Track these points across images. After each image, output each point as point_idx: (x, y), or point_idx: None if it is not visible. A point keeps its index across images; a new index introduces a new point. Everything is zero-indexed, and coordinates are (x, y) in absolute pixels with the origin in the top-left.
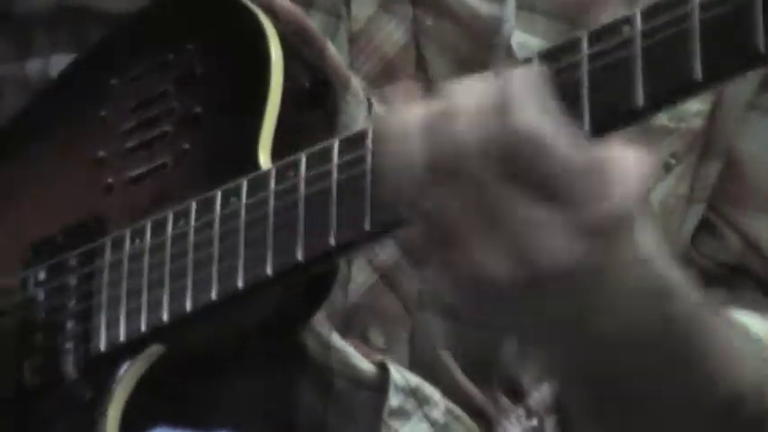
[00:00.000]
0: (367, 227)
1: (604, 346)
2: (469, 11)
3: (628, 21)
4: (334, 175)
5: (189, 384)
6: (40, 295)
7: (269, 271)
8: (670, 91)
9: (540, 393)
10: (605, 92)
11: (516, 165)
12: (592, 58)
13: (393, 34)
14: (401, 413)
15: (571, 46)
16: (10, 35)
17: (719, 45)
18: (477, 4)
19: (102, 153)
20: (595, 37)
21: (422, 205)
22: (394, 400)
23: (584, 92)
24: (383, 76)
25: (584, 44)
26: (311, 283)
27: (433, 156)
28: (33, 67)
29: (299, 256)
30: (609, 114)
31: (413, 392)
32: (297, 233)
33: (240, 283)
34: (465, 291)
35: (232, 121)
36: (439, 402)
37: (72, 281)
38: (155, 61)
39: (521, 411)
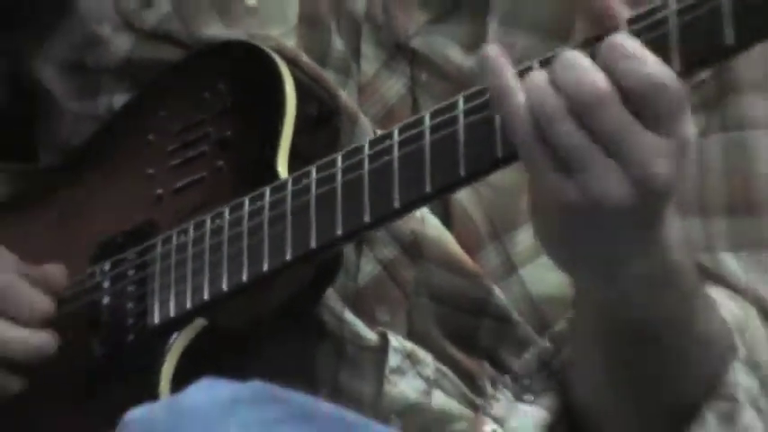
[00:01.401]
0: (367, 219)
1: (649, 281)
2: (455, 66)
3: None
4: (339, 178)
5: (227, 351)
6: (106, 283)
7: (288, 257)
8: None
9: (523, 360)
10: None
11: (644, 104)
12: (680, 12)
13: (393, 86)
14: (399, 371)
15: (653, 11)
16: (82, 80)
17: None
18: (460, 60)
19: (151, 170)
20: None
21: (559, 139)
22: (393, 360)
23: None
24: (385, 119)
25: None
26: (318, 274)
27: (575, 100)
28: (102, 103)
29: (313, 244)
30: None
31: (408, 355)
32: (310, 226)
33: (265, 267)
34: (588, 209)
35: (256, 143)
36: (430, 363)
37: (131, 271)
38: (193, 98)
39: (507, 379)
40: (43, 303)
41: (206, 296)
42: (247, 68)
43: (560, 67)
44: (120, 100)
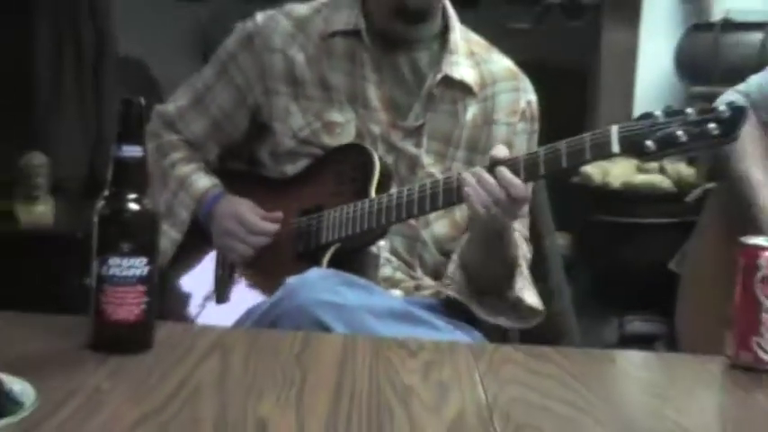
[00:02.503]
0: (404, 216)
1: (498, 234)
2: (409, 153)
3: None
4: (395, 200)
5: (344, 258)
6: (304, 227)
7: (372, 226)
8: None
9: (455, 257)
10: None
11: (515, 195)
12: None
13: (389, 159)
14: (383, 265)
15: (514, 158)
16: (274, 158)
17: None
18: (413, 150)
19: (324, 188)
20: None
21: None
22: (381, 260)
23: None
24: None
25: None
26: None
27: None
28: (281, 168)
29: (383, 221)
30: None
31: (387, 259)
32: (381, 216)
33: (364, 228)
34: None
35: (362, 184)
36: (395, 261)
37: (314, 221)
38: (339, 163)
39: (451, 262)
40: (267, 227)
41: (343, 234)
42: (355, 153)
43: (485, 177)
44: (289, 167)
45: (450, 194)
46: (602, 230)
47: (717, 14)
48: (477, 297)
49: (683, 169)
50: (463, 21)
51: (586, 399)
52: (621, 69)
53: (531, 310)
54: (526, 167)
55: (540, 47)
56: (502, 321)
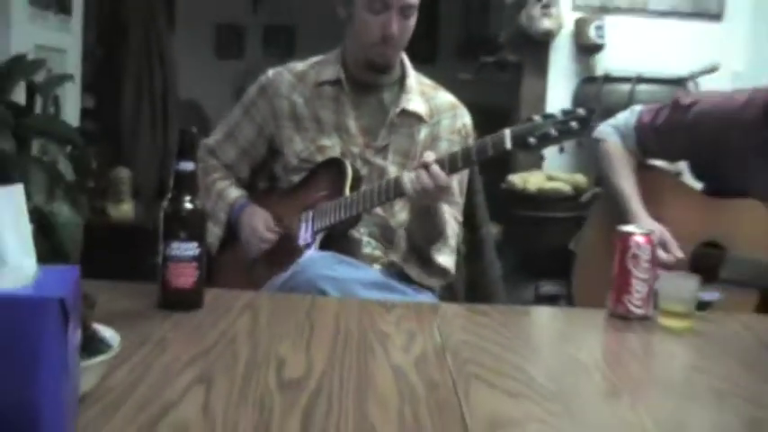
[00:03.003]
0: (368, 206)
1: (428, 211)
2: (379, 165)
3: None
4: (361, 195)
5: (333, 241)
6: (303, 221)
7: (351, 214)
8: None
9: (403, 231)
10: (452, 166)
11: (440, 183)
12: (449, 156)
13: (364, 170)
14: (364, 245)
15: (440, 159)
16: (286, 171)
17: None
18: (381, 163)
19: (321, 193)
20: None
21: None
22: (363, 241)
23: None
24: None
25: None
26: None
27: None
28: (289, 179)
29: (354, 212)
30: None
31: (368, 242)
32: (354, 206)
33: (342, 218)
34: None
35: (339, 186)
36: (373, 242)
37: (310, 214)
38: (323, 174)
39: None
40: (269, 237)
41: (328, 223)
42: (335, 165)
43: (421, 173)
44: (295, 178)
45: (399, 188)
46: (522, 222)
47: (600, 71)
48: (412, 262)
49: (579, 178)
50: (424, 72)
51: (512, 341)
52: (534, 109)
53: (441, 269)
54: (449, 163)
55: (479, 92)
56: (431, 282)
